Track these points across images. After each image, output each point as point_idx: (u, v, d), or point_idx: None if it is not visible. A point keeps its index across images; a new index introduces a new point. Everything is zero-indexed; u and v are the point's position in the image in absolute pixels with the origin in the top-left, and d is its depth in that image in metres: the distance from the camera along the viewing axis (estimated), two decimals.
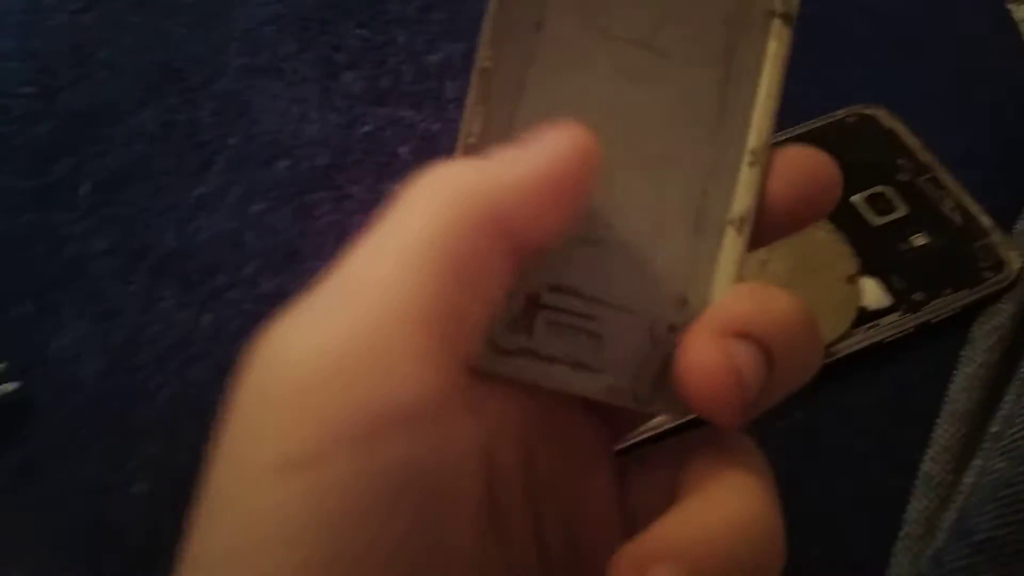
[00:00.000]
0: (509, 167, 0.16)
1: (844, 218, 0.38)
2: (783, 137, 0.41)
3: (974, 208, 0.39)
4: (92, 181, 0.40)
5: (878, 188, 0.40)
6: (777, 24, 0.19)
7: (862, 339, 0.35)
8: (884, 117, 0.42)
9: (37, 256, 0.37)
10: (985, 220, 0.39)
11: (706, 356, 0.17)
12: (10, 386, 0.33)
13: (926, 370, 0.36)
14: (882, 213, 0.39)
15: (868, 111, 0.42)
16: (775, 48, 0.19)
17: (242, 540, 0.14)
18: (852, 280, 0.37)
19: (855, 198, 0.39)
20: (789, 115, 0.43)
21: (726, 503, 0.17)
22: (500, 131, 0.18)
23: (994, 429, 0.32)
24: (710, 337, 0.17)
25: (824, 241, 0.38)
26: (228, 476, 0.14)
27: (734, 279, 0.18)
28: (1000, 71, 0.47)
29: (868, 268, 0.37)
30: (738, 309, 0.17)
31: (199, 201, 0.40)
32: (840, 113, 0.43)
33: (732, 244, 0.18)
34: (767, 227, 0.19)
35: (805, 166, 0.19)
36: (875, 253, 0.38)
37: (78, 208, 0.39)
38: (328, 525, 0.13)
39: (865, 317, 0.36)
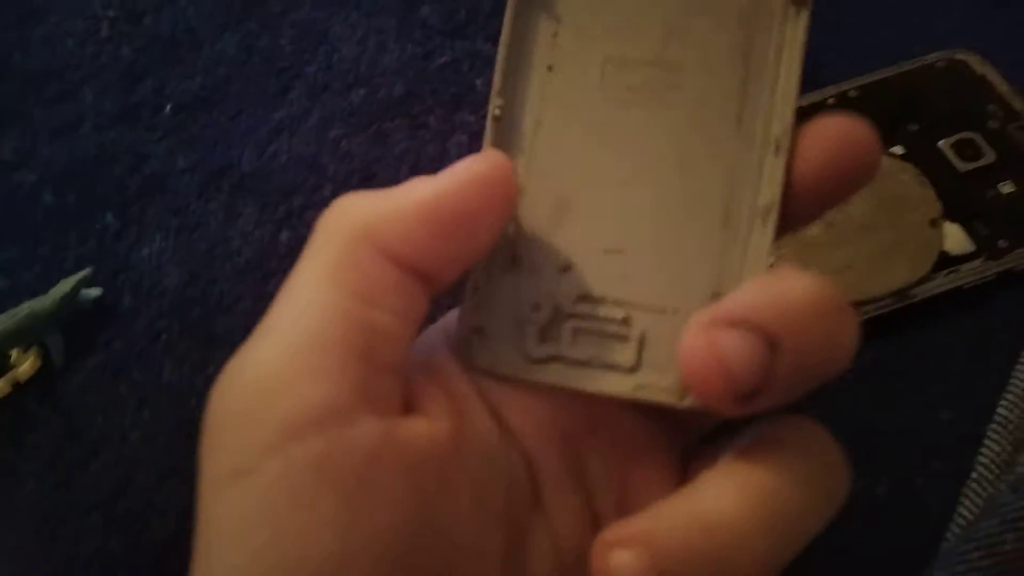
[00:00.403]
0: (398, 196, 0.18)
1: (930, 162, 0.37)
2: (871, 79, 0.39)
3: None
4: (174, 103, 0.40)
5: (966, 134, 0.38)
6: (793, 11, 0.18)
7: (942, 283, 0.34)
8: (976, 63, 0.40)
9: (121, 172, 0.38)
10: None
11: (688, 344, 0.17)
12: (94, 291, 0.33)
13: (1006, 318, 0.34)
14: (969, 159, 0.37)
15: (959, 56, 0.40)
16: (793, 35, 0.18)
17: (211, 540, 0.16)
18: (935, 224, 0.35)
19: (942, 143, 0.37)
20: (877, 59, 0.41)
21: (705, 500, 0.17)
22: (516, 163, 0.19)
23: None
24: (700, 327, 0.17)
25: (908, 183, 0.36)
26: (204, 484, 0.17)
27: (764, 269, 0.18)
28: None
29: (952, 213, 0.35)
30: (740, 299, 0.17)
31: (278, 125, 0.40)
32: (930, 58, 0.40)
33: (760, 235, 0.18)
34: (803, 207, 0.18)
35: (836, 139, 0.18)
36: (960, 199, 0.36)
37: (160, 128, 0.39)
38: (272, 522, 0.16)
39: (947, 261, 0.34)
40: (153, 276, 0.34)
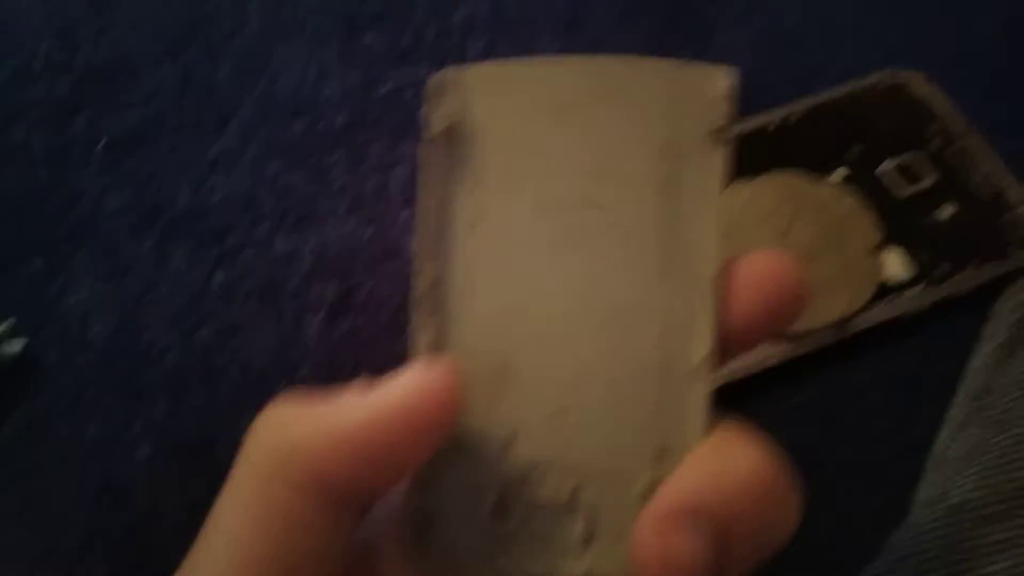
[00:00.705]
0: (328, 419, 0.16)
1: (870, 187, 0.36)
2: (815, 102, 0.39)
3: (1004, 180, 0.36)
4: (108, 138, 0.39)
5: (907, 157, 0.37)
6: (713, 146, 0.18)
7: (882, 313, 0.33)
8: (917, 83, 0.39)
9: (51, 212, 0.36)
10: (1014, 193, 0.36)
11: (642, 544, 0.16)
12: (17, 343, 0.32)
13: (947, 346, 0.33)
14: (910, 183, 0.36)
15: (900, 76, 0.39)
16: (713, 172, 0.18)
17: None
18: (875, 251, 0.34)
19: (883, 167, 0.37)
20: (821, 79, 0.40)
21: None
22: (453, 332, 0.18)
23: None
24: (651, 525, 0.16)
25: (849, 210, 0.35)
26: None
27: (705, 422, 0.18)
28: None
29: (893, 239, 0.35)
30: (687, 485, 0.16)
31: (215, 160, 0.38)
32: (872, 78, 0.40)
33: (698, 389, 0.18)
34: (734, 346, 0.18)
35: (766, 283, 0.17)
36: (901, 224, 0.35)
37: (93, 165, 0.38)
38: None
39: (887, 289, 0.34)
40: (80, 326, 0.33)
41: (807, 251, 0.34)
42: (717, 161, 0.18)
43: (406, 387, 0.16)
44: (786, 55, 0.42)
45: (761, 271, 0.18)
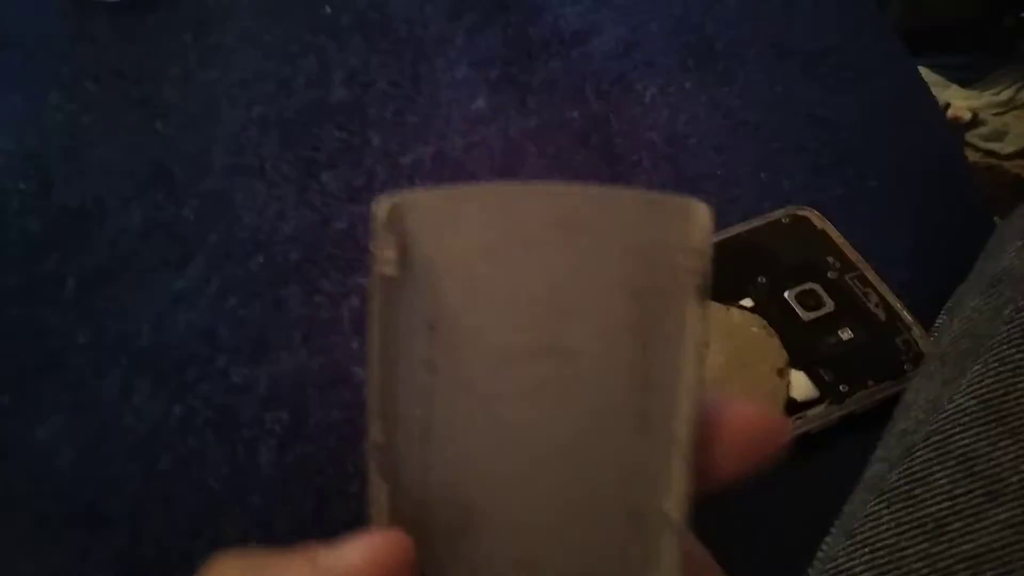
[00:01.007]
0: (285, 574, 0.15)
1: (776, 313, 0.39)
2: (725, 236, 0.42)
3: (897, 305, 0.40)
4: (77, 276, 0.41)
5: (808, 285, 0.40)
6: (692, 297, 0.16)
7: (791, 429, 0.36)
8: (816, 218, 0.43)
9: (19, 349, 0.38)
10: (907, 316, 0.39)
11: None
12: None
13: (851, 458, 0.36)
14: (811, 309, 0.40)
15: (801, 212, 0.44)
16: (692, 323, 0.16)
17: None
18: (782, 373, 0.37)
19: (786, 294, 0.40)
20: (732, 215, 0.44)
21: None
22: (410, 482, 0.17)
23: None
24: None
25: (756, 336, 0.38)
26: None
27: (679, 574, 0.17)
28: (929, 175, 0.48)
29: (797, 361, 0.38)
30: None
31: (178, 295, 0.40)
32: (777, 214, 0.44)
33: (672, 541, 0.17)
34: (711, 491, 0.17)
35: (753, 442, 0.17)
36: (804, 347, 0.38)
37: (62, 302, 0.40)
38: None
39: (794, 408, 0.37)
40: (45, 458, 0.34)
41: (720, 374, 0.37)
42: (695, 308, 0.16)
43: (354, 559, 0.15)
44: (703, 194, 0.46)
45: (750, 434, 0.17)
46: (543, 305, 0.16)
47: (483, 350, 0.16)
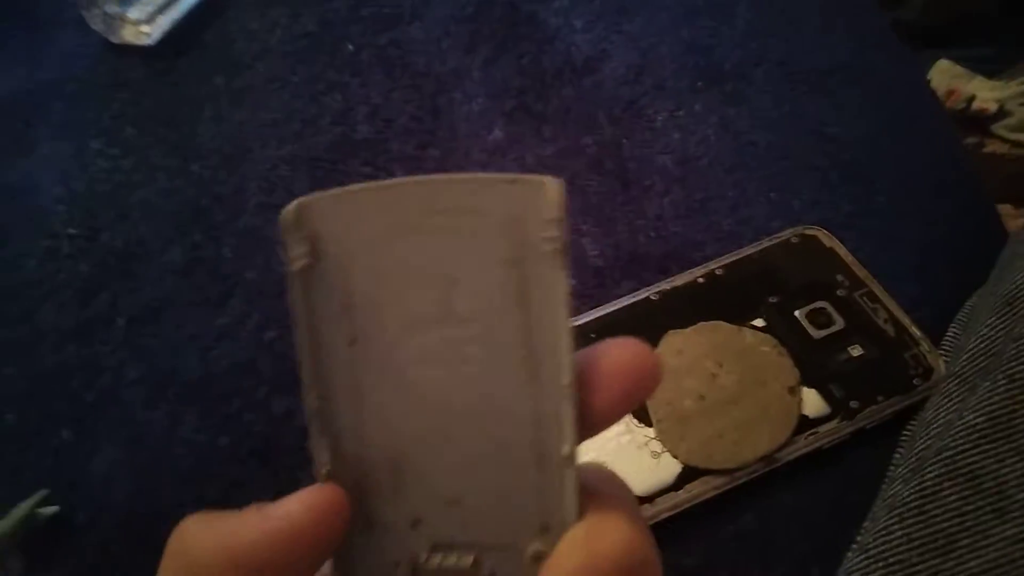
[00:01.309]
0: (231, 533, 0.18)
1: (787, 332, 0.41)
2: (736, 257, 0.44)
3: (905, 320, 0.41)
4: (126, 315, 0.43)
5: (818, 303, 0.42)
6: (552, 258, 0.19)
7: (803, 445, 0.37)
8: (824, 237, 0.45)
9: (77, 387, 0.40)
10: (916, 331, 0.41)
11: None
12: (50, 509, 0.35)
13: (862, 472, 0.37)
14: (821, 327, 0.41)
15: (810, 231, 0.45)
16: (560, 277, 0.19)
17: None
18: (793, 391, 0.39)
19: (797, 313, 0.41)
20: (743, 235, 0.46)
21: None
22: (346, 441, 0.19)
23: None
24: None
25: (768, 355, 0.40)
26: None
27: (577, 501, 0.20)
28: (937, 190, 0.49)
29: (808, 378, 0.39)
30: (561, 566, 0.19)
31: (220, 331, 0.43)
32: (786, 233, 0.45)
33: (570, 475, 0.20)
34: (600, 424, 0.20)
35: (627, 373, 0.20)
36: (815, 364, 0.40)
37: (113, 341, 0.42)
38: None
39: (806, 424, 0.38)
40: (104, 489, 0.37)
41: (733, 395, 0.38)
42: (559, 270, 0.19)
43: (294, 509, 0.18)
44: (714, 216, 0.47)
45: (622, 365, 0.20)
46: (435, 279, 0.19)
47: (390, 323, 0.19)
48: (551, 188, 0.19)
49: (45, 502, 0.36)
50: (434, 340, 0.19)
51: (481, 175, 0.19)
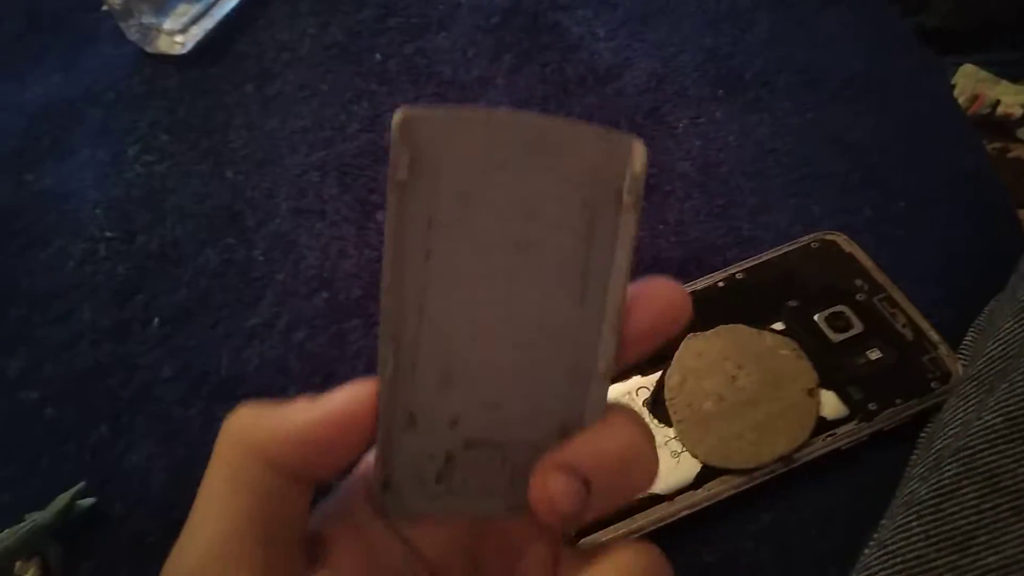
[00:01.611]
0: (280, 420, 0.21)
1: (806, 335, 0.41)
2: (757, 262, 0.44)
3: (924, 324, 0.41)
4: (161, 315, 0.45)
5: (837, 307, 0.42)
6: (629, 209, 0.21)
7: (821, 447, 0.38)
8: (844, 242, 0.45)
9: (114, 384, 0.42)
10: (934, 335, 0.41)
11: (533, 482, 0.22)
12: (88, 501, 0.37)
13: (880, 473, 0.38)
14: (840, 330, 0.41)
15: (829, 237, 0.45)
16: (629, 225, 0.21)
17: None
18: (812, 393, 0.39)
19: (816, 317, 0.42)
20: (764, 240, 0.46)
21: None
22: (408, 343, 0.21)
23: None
24: (541, 470, 0.22)
25: (788, 357, 0.40)
26: None
27: (602, 410, 0.22)
28: (956, 194, 0.49)
29: (827, 381, 0.40)
30: (570, 449, 0.22)
31: (251, 331, 0.44)
32: (806, 239, 0.46)
33: (599, 388, 0.22)
34: (631, 353, 0.22)
35: (661, 307, 0.22)
36: (833, 367, 0.40)
37: (148, 340, 0.43)
38: None
39: (824, 426, 0.38)
40: (140, 482, 0.38)
41: (752, 396, 0.39)
42: (630, 219, 0.21)
43: (338, 401, 0.21)
44: (735, 220, 0.48)
45: (658, 300, 0.22)
46: (515, 210, 0.21)
47: (464, 244, 0.21)
48: (637, 147, 0.21)
49: (83, 494, 0.37)
50: (500, 262, 0.21)
51: (579, 123, 0.20)
